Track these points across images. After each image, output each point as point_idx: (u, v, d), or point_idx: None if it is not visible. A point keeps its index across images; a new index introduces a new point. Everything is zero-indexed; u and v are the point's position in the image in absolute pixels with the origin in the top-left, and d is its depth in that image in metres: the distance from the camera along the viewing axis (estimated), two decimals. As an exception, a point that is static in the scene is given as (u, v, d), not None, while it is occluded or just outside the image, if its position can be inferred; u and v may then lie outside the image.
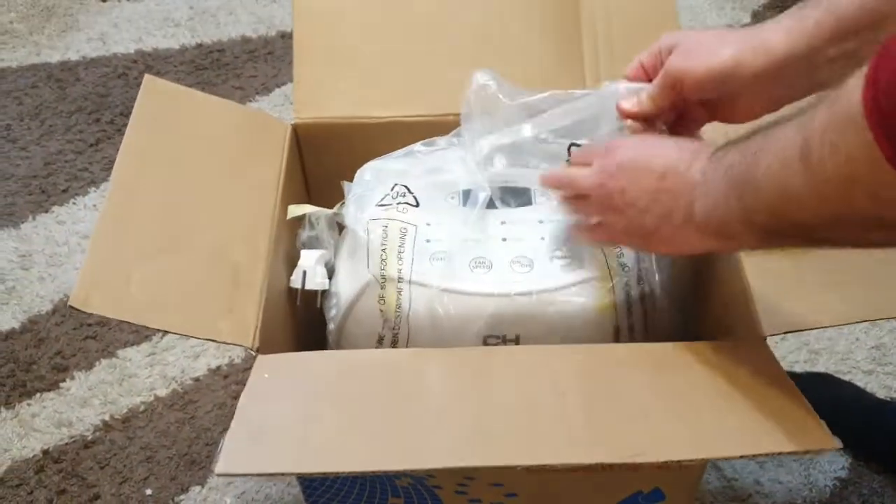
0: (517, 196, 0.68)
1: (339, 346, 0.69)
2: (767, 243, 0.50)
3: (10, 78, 1.40)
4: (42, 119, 1.34)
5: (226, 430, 0.97)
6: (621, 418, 0.51)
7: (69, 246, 1.18)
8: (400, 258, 0.64)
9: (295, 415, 0.54)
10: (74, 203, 1.23)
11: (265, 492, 0.93)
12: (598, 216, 0.58)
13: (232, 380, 1.02)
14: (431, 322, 0.62)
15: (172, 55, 1.44)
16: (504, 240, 0.65)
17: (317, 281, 0.70)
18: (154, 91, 0.72)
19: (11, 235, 1.19)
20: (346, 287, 0.68)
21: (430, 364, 0.56)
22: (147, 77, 0.72)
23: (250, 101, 1.34)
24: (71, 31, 1.48)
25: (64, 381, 1.03)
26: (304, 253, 0.72)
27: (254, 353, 0.61)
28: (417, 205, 0.68)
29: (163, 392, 1.02)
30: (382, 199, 0.69)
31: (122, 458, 0.97)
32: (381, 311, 0.64)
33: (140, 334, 1.07)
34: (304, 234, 0.74)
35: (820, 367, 1.02)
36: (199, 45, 1.46)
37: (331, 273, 0.72)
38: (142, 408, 1.01)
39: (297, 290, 0.70)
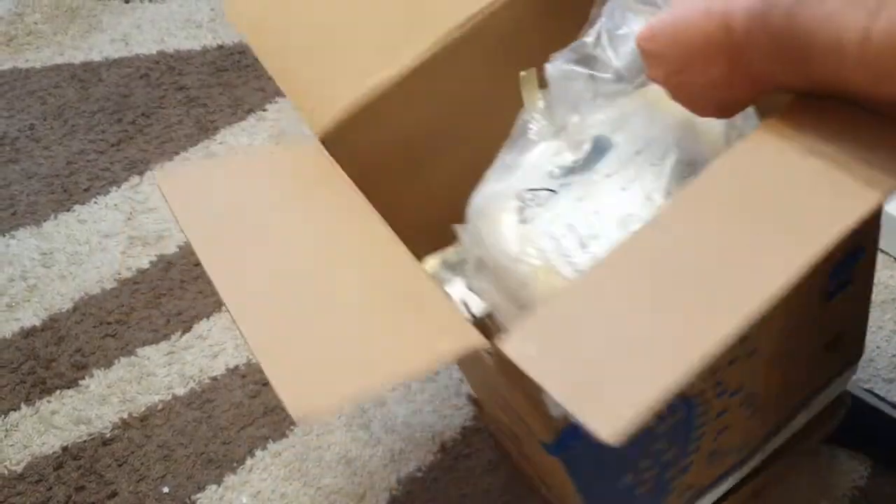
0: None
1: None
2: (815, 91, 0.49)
3: (35, 78, 1.42)
4: (65, 119, 1.36)
5: (243, 428, 0.98)
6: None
7: (90, 245, 1.19)
8: (569, 259, 0.59)
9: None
10: (96, 202, 1.24)
11: (280, 491, 0.94)
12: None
13: (249, 379, 1.03)
14: None
15: (194, 56, 1.45)
16: (623, 189, 0.60)
17: (478, 306, 0.66)
18: (175, 179, 0.62)
19: (33, 234, 1.20)
20: (500, 292, 0.62)
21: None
22: (158, 173, 0.66)
23: (271, 101, 1.35)
24: (94, 31, 1.50)
25: (83, 378, 1.04)
26: (448, 287, 0.67)
27: (491, 352, 0.52)
28: (555, 192, 0.62)
29: (181, 391, 1.03)
30: (527, 217, 0.62)
31: (139, 456, 0.97)
32: None
33: (159, 333, 1.08)
34: (434, 259, 0.70)
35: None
36: (221, 47, 1.47)
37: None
38: (160, 406, 1.02)
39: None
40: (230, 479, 0.95)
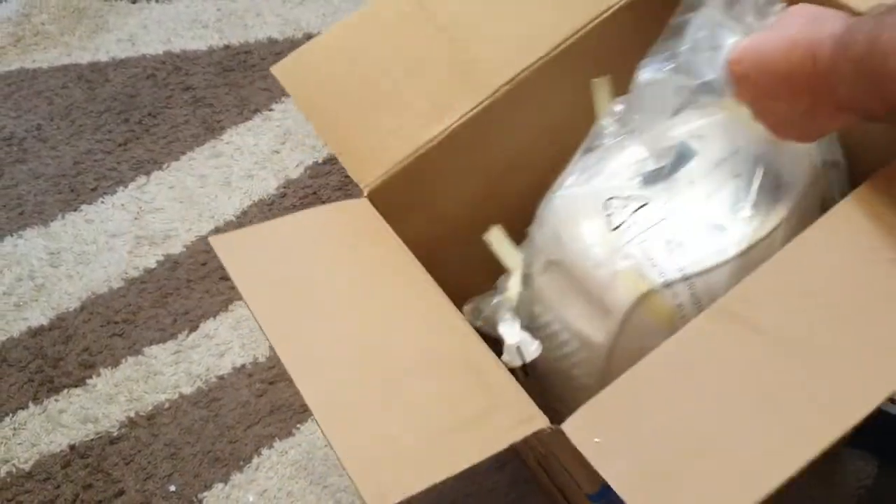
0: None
1: (608, 373, 0.62)
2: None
3: (42, 78, 1.42)
4: (72, 119, 1.36)
5: (250, 427, 0.99)
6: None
7: (97, 244, 1.19)
8: (655, 265, 0.58)
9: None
10: (103, 202, 1.25)
11: (287, 489, 0.94)
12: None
13: (256, 378, 1.03)
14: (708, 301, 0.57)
15: (200, 56, 1.45)
16: (708, 196, 0.61)
17: (531, 350, 0.63)
18: (231, 247, 0.62)
19: (41, 233, 1.21)
20: (594, 326, 0.61)
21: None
22: (212, 240, 0.62)
23: (277, 101, 1.35)
24: (101, 32, 1.50)
25: (91, 377, 1.05)
26: (502, 329, 0.64)
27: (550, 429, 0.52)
28: (647, 203, 0.61)
29: (188, 390, 1.03)
30: (614, 223, 0.61)
31: (146, 455, 0.98)
32: (674, 319, 0.58)
33: (166, 332, 1.09)
34: (495, 299, 0.67)
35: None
36: (227, 47, 1.47)
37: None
38: (167, 405, 1.02)
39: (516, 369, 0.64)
40: (237, 478, 0.95)
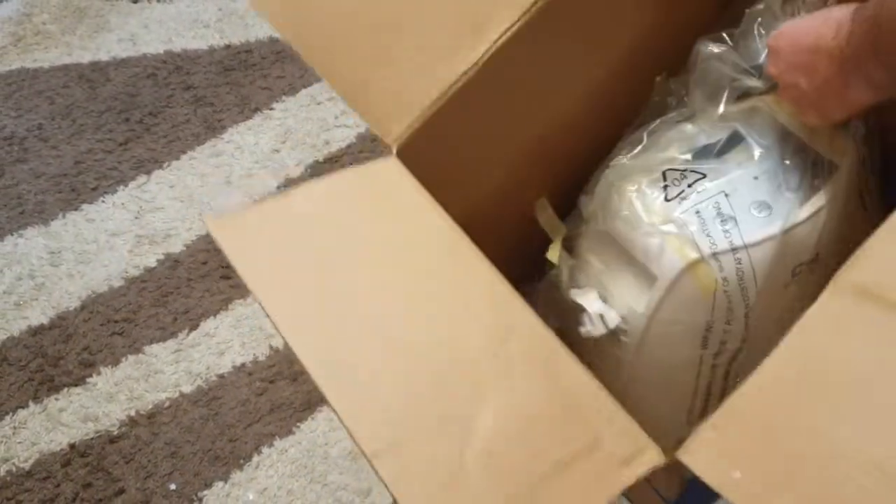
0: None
1: (637, 359, 0.63)
2: None
3: (43, 78, 1.42)
4: (73, 118, 1.36)
5: (250, 425, 0.98)
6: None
7: (98, 243, 1.19)
8: (708, 235, 0.59)
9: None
10: (104, 201, 1.25)
11: (287, 487, 0.94)
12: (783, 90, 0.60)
13: (256, 377, 1.03)
14: (757, 278, 0.59)
15: (201, 56, 1.45)
16: (755, 178, 0.62)
17: (612, 317, 0.62)
18: (233, 229, 0.51)
19: (41, 232, 1.21)
20: (638, 295, 0.61)
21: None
22: (208, 221, 0.51)
23: (277, 100, 1.35)
24: (102, 31, 1.50)
25: (91, 376, 1.05)
26: (579, 297, 0.62)
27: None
28: (704, 176, 0.62)
29: (188, 388, 1.03)
30: (671, 194, 0.61)
31: (146, 454, 0.98)
32: (714, 291, 0.58)
33: (167, 331, 1.09)
34: (564, 271, 0.66)
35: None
36: (228, 46, 1.47)
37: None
38: (167, 404, 1.02)
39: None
40: (237, 476, 0.95)
